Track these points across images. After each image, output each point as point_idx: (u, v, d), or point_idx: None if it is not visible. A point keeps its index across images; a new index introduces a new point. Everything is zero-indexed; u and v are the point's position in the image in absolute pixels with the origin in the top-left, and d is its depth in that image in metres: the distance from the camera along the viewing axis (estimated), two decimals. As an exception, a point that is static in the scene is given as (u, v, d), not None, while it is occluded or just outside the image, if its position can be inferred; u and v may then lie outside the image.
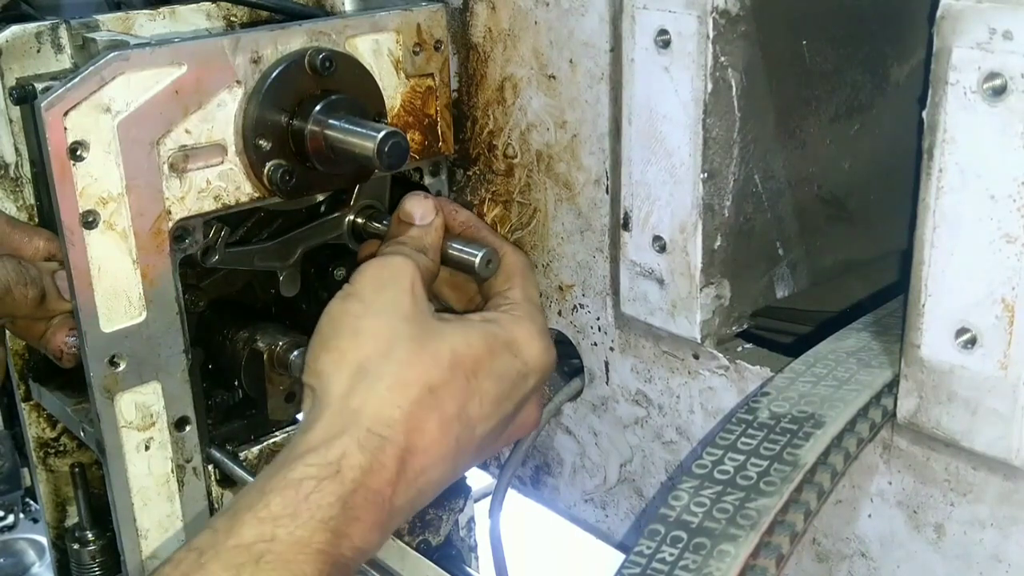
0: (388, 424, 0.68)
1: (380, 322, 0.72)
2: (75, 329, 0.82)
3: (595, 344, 0.84)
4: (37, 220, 0.91)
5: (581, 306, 0.84)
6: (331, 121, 0.77)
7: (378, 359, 0.70)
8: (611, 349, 0.83)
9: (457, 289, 0.87)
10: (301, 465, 0.65)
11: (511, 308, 0.78)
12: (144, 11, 0.93)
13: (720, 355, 0.74)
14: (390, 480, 0.67)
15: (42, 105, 0.67)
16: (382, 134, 0.75)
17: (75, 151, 0.68)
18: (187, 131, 0.73)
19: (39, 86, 0.84)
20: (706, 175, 0.70)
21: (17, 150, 0.89)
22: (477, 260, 0.80)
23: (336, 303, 0.74)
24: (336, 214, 0.88)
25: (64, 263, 0.72)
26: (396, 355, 0.70)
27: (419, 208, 0.81)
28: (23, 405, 0.97)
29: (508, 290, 0.81)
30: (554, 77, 0.80)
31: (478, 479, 1.06)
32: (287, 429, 0.89)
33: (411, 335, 0.71)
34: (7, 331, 0.93)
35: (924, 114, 0.57)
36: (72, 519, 1.03)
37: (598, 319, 0.83)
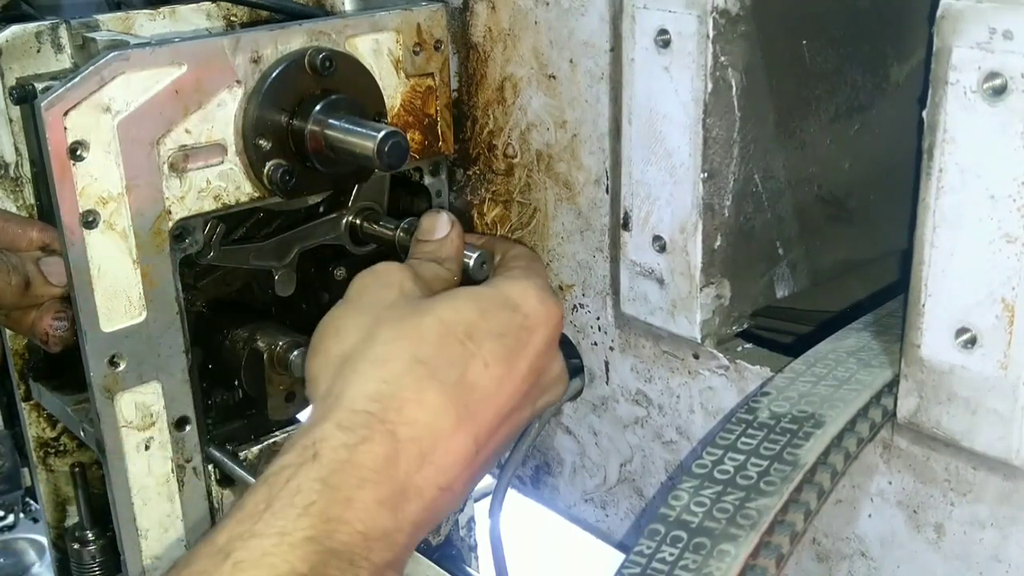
0: (374, 399, 0.64)
1: (363, 315, 0.70)
2: (61, 312, 0.82)
3: (595, 344, 0.84)
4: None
5: (581, 306, 0.84)
6: (331, 121, 0.77)
7: (361, 347, 0.67)
8: (611, 349, 0.83)
9: None
10: (278, 460, 0.62)
11: (507, 272, 0.77)
12: (144, 11, 0.93)
13: (720, 355, 0.74)
14: (386, 455, 0.62)
15: (42, 105, 0.67)
16: (382, 134, 0.75)
17: (75, 151, 0.68)
18: (187, 131, 0.73)
19: (39, 86, 0.84)
20: (706, 175, 0.70)
21: (17, 150, 0.89)
22: (472, 261, 0.80)
23: (326, 315, 0.73)
24: (334, 215, 0.88)
25: (63, 257, 0.71)
26: (379, 338, 0.67)
27: (434, 223, 0.80)
28: (23, 405, 0.97)
29: (512, 259, 0.80)
30: (554, 77, 0.80)
31: (478, 479, 1.06)
32: (287, 429, 0.89)
33: (394, 317, 0.69)
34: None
35: (924, 114, 0.57)
36: (72, 519, 1.03)
37: (598, 319, 0.83)
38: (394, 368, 0.66)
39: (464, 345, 0.68)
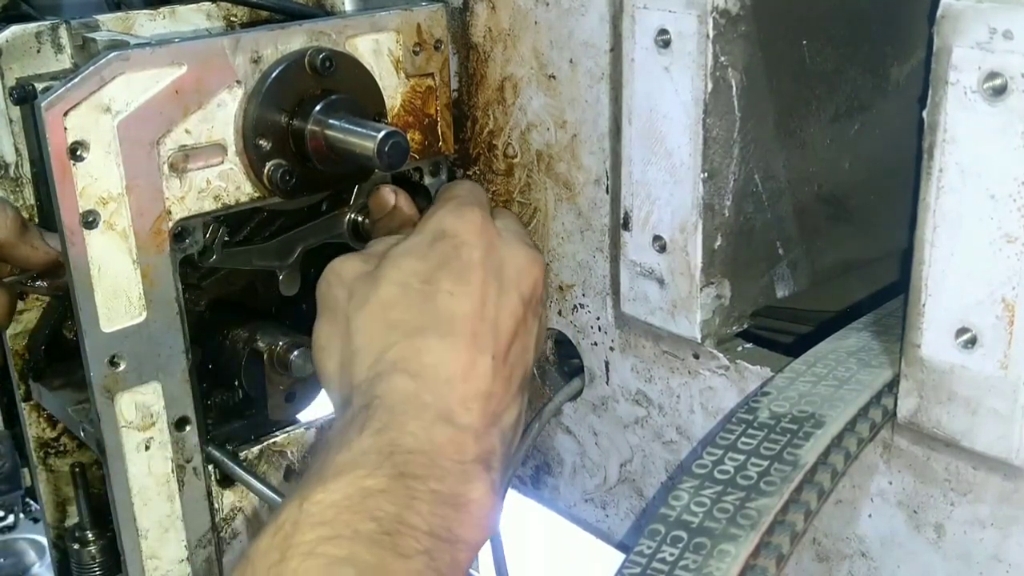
0: (378, 367, 0.70)
1: (336, 322, 0.75)
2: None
3: (595, 344, 0.84)
4: (37, 220, 0.91)
5: (581, 306, 0.84)
6: (331, 121, 0.77)
7: (347, 348, 0.73)
8: (611, 349, 0.83)
9: None
10: (328, 439, 0.68)
11: (429, 210, 0.81)
12: (144, 11, 0.93)
13: (720, 355, 0.74)
14: (414, 390, 0.68)
15: (42, 105, 0.67)
16: (382, 134, 0.75)
17: (75, 151, 0.68)
18: (187, 131, 0.73)
19: (39, 86, 0.84)
20: (706, 175, 0.70)
21: (17, 150, 0.89)
22: None
23: (312, 337, 0.79)
24: (336, 213, 0.88)
25: (63, 258, 0.72)
26: (354, 330, 0.73)
27: (379, 200, 0.86)
28: (23, 405, 0.97)
29: (439, 195, 0.83)
30: (554, 77, 0.80)
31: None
32: (287, 429, 0.89)
33: (357, 304, 0.74)
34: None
35: (924, 114, 0.57)
36: (72, 519, 1.03)
37: (598, 319, 0.83)
38: (380, 342, 0.71)
39: (422, 290, 0.72)
